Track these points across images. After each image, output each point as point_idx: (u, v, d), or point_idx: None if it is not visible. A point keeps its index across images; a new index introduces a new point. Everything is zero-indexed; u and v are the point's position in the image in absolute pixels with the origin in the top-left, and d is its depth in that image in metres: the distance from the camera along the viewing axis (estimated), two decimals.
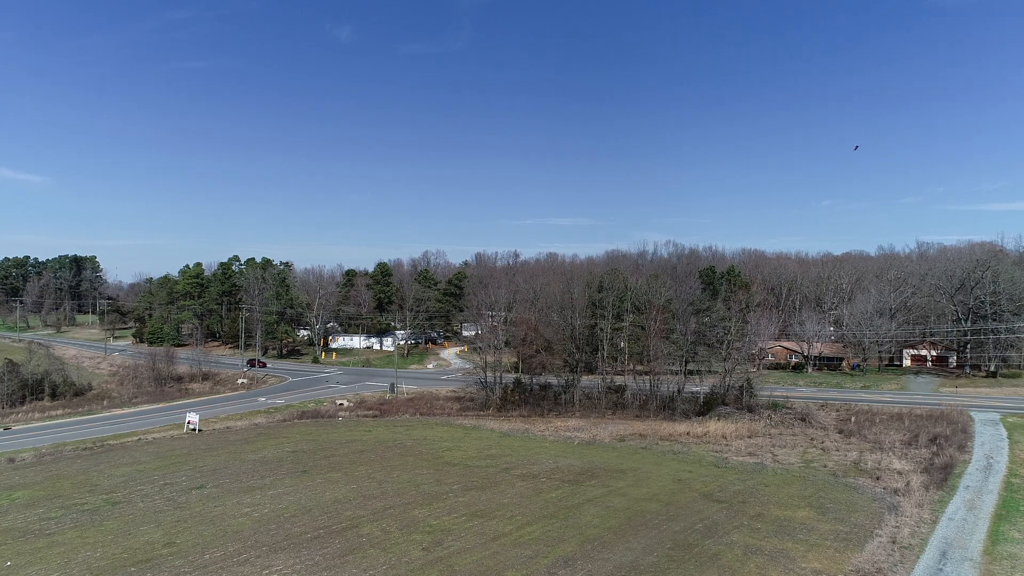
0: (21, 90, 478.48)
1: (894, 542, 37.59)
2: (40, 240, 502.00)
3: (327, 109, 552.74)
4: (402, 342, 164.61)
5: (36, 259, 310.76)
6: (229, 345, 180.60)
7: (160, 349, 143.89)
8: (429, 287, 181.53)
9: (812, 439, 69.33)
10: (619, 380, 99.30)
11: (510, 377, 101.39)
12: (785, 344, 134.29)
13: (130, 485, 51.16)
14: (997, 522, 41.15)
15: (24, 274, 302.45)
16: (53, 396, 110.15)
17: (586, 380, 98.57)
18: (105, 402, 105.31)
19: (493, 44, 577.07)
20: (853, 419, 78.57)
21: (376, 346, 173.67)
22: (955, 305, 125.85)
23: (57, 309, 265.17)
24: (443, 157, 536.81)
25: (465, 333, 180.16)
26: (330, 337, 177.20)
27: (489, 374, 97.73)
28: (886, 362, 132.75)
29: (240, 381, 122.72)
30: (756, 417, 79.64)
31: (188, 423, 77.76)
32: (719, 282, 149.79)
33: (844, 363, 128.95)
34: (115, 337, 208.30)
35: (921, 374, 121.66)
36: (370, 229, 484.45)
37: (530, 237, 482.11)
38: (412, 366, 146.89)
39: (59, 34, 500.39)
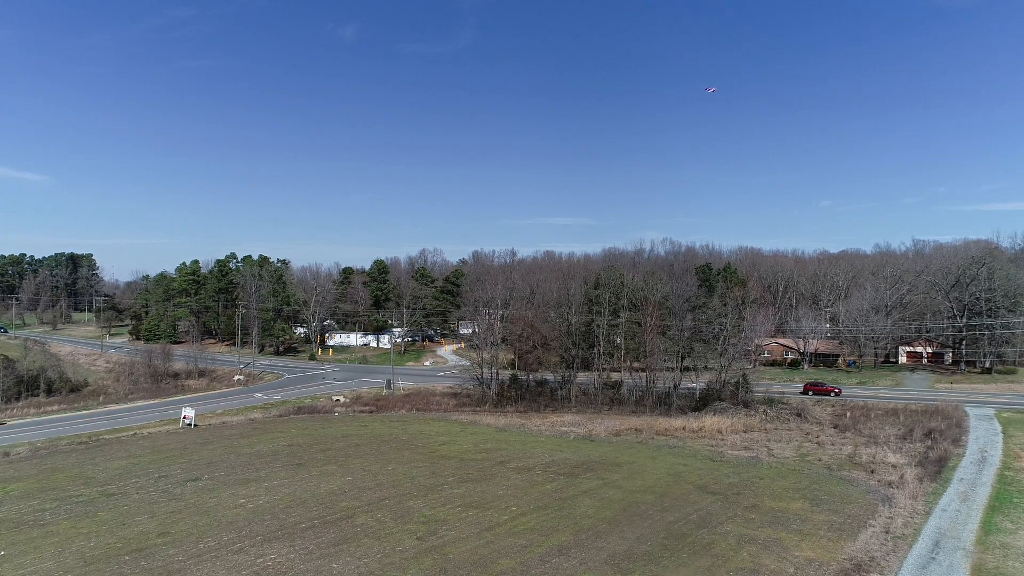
0: (21, 90, 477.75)
1: (887, 532, 37.73)
2: (38, 238, 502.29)
3: (328, 108, 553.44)
4: (399, 339, 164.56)
5: (32, 257, 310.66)
6: (226, 342, 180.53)
7: (156, 346, 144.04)
8: (426, 285, 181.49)
9: (807, 434, 69.50)
10: (615, 376, 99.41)
11: (507, 374, 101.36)
12: (781, 341, 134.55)
13: (125, 478, 51.10)
14: (990, 513, 41.31)
15: (20, 272, 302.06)
16: (49, 392, 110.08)
17: (582, 376, 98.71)
18: (101, 398, 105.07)
19: (494, 44, 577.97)
20: (848, 415, 78.76)
21: (373, 343, 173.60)
22: (950, 302, 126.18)
23: (53, 307, 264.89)
24: (442, 156, 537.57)
25: (462, 331, 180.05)
26: (327, 334, 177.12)
27: (486, 371, 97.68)
28: (882, 359, 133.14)
29: (236, 378, 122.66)
30: (752, 413, 79.82)
31: (184, 418, 77.72)
32: (715, 279, 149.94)
33: (840, 360, 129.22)
34: (111, 334, 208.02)
35: (917, 371, 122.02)
36: (368, 228, 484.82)
37: (528, 236, 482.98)
38: (409, 363, 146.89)
39: (60, 34, 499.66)
